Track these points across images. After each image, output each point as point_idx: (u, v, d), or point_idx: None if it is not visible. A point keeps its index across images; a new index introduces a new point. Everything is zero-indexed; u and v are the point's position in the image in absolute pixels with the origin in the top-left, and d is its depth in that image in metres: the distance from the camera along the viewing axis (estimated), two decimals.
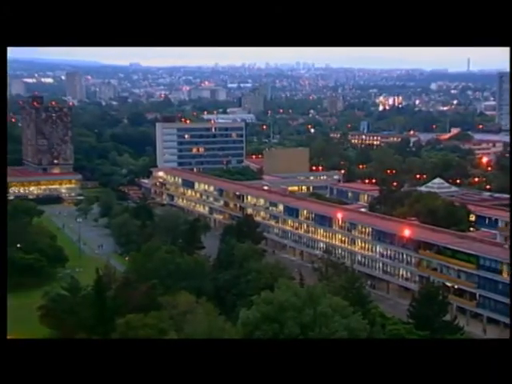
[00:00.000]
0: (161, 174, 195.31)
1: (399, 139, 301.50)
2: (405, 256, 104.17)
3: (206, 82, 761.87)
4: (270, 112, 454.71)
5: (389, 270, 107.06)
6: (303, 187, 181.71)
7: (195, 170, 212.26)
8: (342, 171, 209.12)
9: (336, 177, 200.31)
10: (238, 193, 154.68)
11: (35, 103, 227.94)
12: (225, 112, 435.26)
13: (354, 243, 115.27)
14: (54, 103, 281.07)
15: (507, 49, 20.21)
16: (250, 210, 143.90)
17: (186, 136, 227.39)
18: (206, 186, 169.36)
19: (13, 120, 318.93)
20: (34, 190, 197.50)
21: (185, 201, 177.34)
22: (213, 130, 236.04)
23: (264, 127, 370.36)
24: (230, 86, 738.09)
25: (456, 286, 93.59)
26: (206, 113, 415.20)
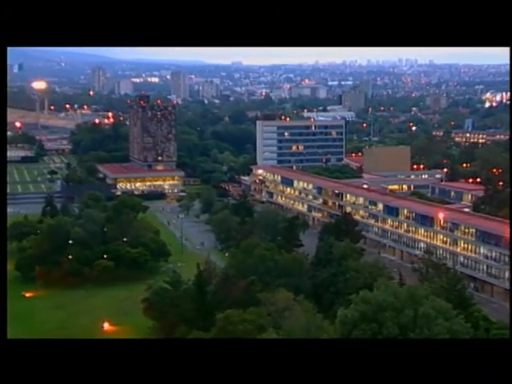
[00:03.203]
0: (260, 171, 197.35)
1: (507, 137, 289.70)
2: None
3: (307, 80, 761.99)
4: (370, 110, 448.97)
5: (493, 272, 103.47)
6: (404, 186, 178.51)
7: (294, 167, 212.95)
8: (445, 170, 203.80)
9: (438, 176, 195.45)
10: (337, 191, 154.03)
11: (142, 102, 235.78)
12: (325, 110, 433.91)
13: (457, 244, 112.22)
14: (159, 102, 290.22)
15: None
16: (348, 209, 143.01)
17: (286, 134, 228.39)
18: (305, 184, 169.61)
19: (121, 119, 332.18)
20: (139, 186, 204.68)
21: (284, 198, 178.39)
22: (312, 128, 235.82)
23: (364, 125, 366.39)
24: (330, 83, 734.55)
25: None
26: (305, 111, 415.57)
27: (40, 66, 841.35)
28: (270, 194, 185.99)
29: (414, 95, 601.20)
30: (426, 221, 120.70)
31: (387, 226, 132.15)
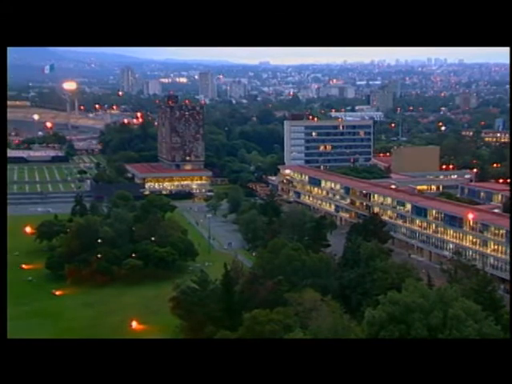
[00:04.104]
0: (288, 171, 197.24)
1: None
2: None
3: (335, 80, 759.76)
4: (399, 109, 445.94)
5: None
6: (432, 186, 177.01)
7: (322, 167, 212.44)
8: (475, 170, 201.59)
9: (468, 176, 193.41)
10: (364, 191, 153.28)
11: (170, 102, 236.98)
12: (353, 110, 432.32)
13: (486, 245, 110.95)
14: (187, 102, 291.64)
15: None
16: (376, 209, 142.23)
17: (314, 134, 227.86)
18: (333, 184, 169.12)
19: (149, 119, 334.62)
20: (167, 186, 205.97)
21: (311, 198, 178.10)
22: (340, 127, 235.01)
23: (393, 125, 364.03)
24: (358, 83, 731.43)
25: None
26: (333, 110, 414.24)
27: (70, 67, 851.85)
28: (298, 194, 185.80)
29: (443, 95, 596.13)
30: (455, 221, 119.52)
31: (415, 227, 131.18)
